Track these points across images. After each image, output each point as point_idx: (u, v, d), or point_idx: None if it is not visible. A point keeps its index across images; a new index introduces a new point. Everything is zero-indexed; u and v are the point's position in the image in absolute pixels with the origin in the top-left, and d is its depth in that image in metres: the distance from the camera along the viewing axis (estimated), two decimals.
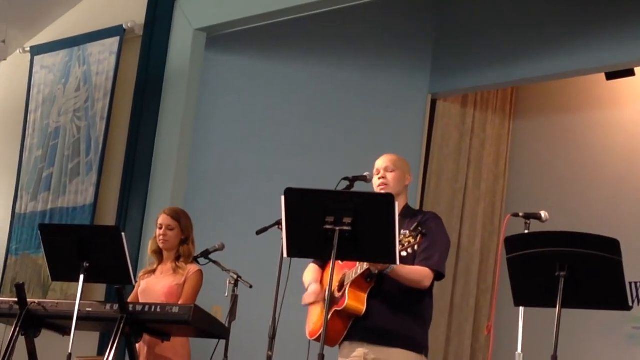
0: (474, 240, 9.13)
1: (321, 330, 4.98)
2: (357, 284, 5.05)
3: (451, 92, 9.20)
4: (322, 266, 5.39)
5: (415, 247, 4.86)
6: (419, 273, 5.05)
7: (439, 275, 5.13)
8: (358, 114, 8.86)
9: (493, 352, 5.50)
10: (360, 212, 4.59)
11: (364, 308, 5.03)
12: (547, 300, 4.35)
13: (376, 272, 4.98)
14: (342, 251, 4.60)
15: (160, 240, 6.16)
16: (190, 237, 6.20)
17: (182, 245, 6.17)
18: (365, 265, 4.95)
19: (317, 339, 5.12)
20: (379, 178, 5.26)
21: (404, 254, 4.84)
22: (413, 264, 5.05)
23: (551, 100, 9.32)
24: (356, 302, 5.04)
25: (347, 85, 8.83)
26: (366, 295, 5.05)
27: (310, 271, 5.41)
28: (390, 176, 5.25)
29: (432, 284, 5.14)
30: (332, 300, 5.04)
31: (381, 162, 5.30)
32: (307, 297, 5.28)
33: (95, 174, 8.47)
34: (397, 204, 4.61)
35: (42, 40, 9.54)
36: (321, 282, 5.36)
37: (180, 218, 6.19)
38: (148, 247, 6.33)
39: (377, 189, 5.25)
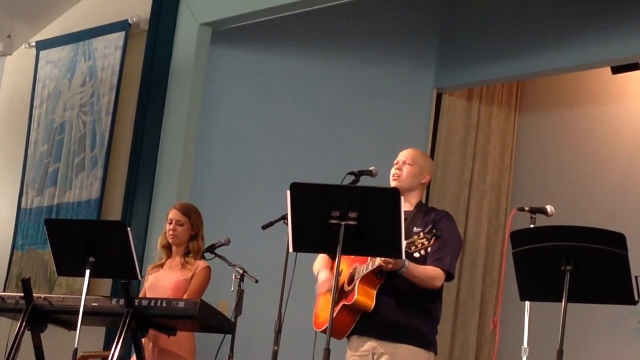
0: (480, 235, 9.13)
1: (327, 323, 5.00)
2: (367, 279, 5.04)
3: (457, 87, 9.19)
4: (333, 257, 5.37)
5: (429, 249, 4.86)
6: (432, 274, 5.04)
7: (449, 276, 5.13)
8: (364, 108, 8.86)
9: (499, 346, 5.51)
10: (366, 206, 4.59)
11: (373, 304, 5.03)
12: (553, 295, 4.34)
13: (388, 270, 4.97)
14: (348, 246, 4.60)
15: (170, 235, 6.15)
16: (200, 234, 6.18)
17: (192, 242, 6.15)
18: (377, 262, 4.93)
19: (323, 331, 5.13)
20: (396, 169, 5.26)
21: (417, 255, 4.84)
22: (425, 264, 5.05)
23: (557, 94, 9.31)
24: (366, 297, 5.03)
25: (353, 79, 8.82)
26: (376, 292, 5.05)
27: (320, 260, 5.40)
28: (405, 169, 5.24)
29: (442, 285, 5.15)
30: (341, 294, 5.06)
31: (402, 154, 5.31)
32: (322, 286, 5.26)
33: (101, 169, 8.49)
34: (402, 198, 4.60)
35: (48, 36, 9.55)
36: (332, 269, 5.35)
37: (191, 214, 6.18)
38: (157, 242, 6.32)
39: (390, 179, 5.26)
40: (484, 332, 9.04)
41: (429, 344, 5.13)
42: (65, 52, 9.18)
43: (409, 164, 5.25)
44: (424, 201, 5.41)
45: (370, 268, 4.99)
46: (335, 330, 4.89)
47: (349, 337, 5.20)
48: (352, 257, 5.12)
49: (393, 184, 5.22)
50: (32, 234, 9.04)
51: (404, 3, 9.03)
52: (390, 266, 4.89)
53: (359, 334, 5.15)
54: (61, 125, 9.02)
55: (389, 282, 5.05)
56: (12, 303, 5.82)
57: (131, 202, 8.20)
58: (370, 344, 5.12)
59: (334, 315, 4.83)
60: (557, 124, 9.25)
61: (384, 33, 8.98)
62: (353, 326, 5.12)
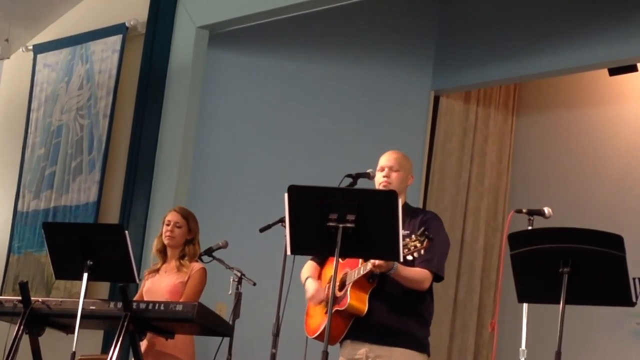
0: (477, 237, 9.12)
1: (320, 328, 5.02)
2: (359, 284, 5.05)
3: (454, 89, 9.19)
4: (321, 263, 5.39)
5: (422, 251, 4.86)
6: (420, 275, 5.06)
7: (437, 277, 5.14)
8: (361, 110, 8.86)
9: (497, 348, 5.51)
10: (363, 209, 4.58)
11: (366, 308, 5.04)
12: (550, 297, 4.34)
13: (378, 273, 4.98)
14: (345, 248, 4.59)
15: (166, 236, 6.17)
16: (197, 239, 6.23)
17: (188, 245, 6.18)
18: (368, 266, 4.94)
19: (317, 337, 5.16)
20: (383, 177, 5.25)
21: (409, 258, 4.83)
22: (413, 266, 5.05)
23: (554, 96, 9.31)
24: (358, 302, 5.04)
25: (350, 82, 8.82)
26: (367, 296, 5.05)
27: (308, 268, 5.41)
28: (394, 176, 5.24)
29: (430, 285, 5.15)
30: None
31: (386, 161, 5.29)
32: (314, 298, 5.25)
33: (99, 172, 8.48)
34: (400, 200, 4.60)
35: (45, 39, 9.54)
36: (319, 278, 5.36)
37: (189, 218, 6.23)
38: (153, 245, 6.33)
39: (378, 187, 5.24)
40: (482, 334, 9.04)
41: (422, 346, 5.15)
42: (63, 55, 9.18)
43: (396, 170, 5.25)
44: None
45: (362, 272, 5.00)
46: (329, 335, 4.88)
47: (341, 342, 5.21)
48: (342, 261, 5.10)
49: None
50: (29, 236, 9.04)
51: (401, 5, 9.03)
52: (379, 269, 4.90)
53: (352, 339, 5.15)
54: (58, 128, 9.01)
55: (380, 286, 5.06)
56: (9, 306, 5.80)
57: (129, 205, 8.19)
58: (363, 349, 5.12)
59: (326, 321, 4.81)
60: (555, 126, 9.25)
61: (381, 35, 8.98)
62: (346, 331, 5.13)
